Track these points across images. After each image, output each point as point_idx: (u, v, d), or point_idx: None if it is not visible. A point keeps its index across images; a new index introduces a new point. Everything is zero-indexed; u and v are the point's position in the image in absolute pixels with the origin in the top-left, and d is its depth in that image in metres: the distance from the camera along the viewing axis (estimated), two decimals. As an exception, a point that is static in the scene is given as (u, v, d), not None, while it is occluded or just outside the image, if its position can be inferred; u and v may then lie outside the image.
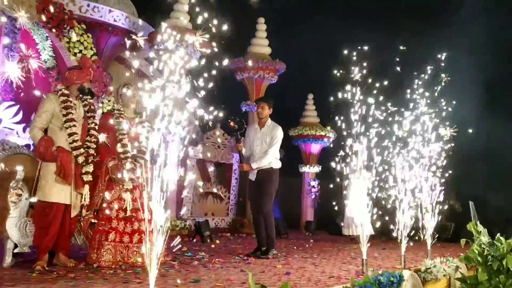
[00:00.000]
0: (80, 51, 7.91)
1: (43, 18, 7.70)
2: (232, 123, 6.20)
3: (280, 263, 5.37)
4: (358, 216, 5.72)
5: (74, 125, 4.50)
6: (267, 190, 6.14)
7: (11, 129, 7.62)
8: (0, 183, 4.51)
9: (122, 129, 4.79)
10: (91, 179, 4.58)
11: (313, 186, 13.21)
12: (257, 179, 6.23)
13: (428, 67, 6.14)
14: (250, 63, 11.23)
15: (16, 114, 7.75)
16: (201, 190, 11.01)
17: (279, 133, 6.27)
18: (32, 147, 6.32)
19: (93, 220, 4.72)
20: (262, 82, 11.75)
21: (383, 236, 8.78)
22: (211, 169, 11.76)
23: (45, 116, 4.46)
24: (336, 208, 7.96)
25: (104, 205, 4.68)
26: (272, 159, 6.19)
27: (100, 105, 8.39)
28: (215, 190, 11.39)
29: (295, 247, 7.66)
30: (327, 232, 11.60)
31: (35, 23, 7.88)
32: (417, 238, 5.78)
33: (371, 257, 6.31)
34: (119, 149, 4.74)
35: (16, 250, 4.41)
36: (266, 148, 6.17)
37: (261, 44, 12.02)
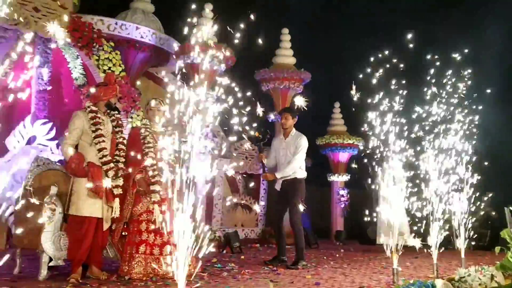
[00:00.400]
0: (109, 68, 8.14)
1: (73, 37, 7.95)
2: (257, 133, 6.25)
3: (310, 274, 5.34)
4: (395, 224, 5.63)
5: (103, 141, 4.62)
6: (292, 200, 6.11)
7: (45, 146, 7.86)
8: (35, 198, 4.65)
9: (148, 143, 4.89)
10: (121, 192, 4.67)
11: (342, 195, 13.10)
12: (282, 189, 6.27)
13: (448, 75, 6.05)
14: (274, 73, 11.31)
15: (50, 131, 8.00)
16: (230, 201, 11.05)
17: (303, 142, 6.29)
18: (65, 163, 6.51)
19: (123, 233, 4.81)
20: (287, 92, 11.79)
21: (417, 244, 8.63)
22: (239, 180, 11.81)
23: (75, 133, 4.59)
24: (367, 217, 7.88)
25: (133, 217, 4.77)
26: (296, 169, 6.19)
27: (130, 119, 8.59)
28: (244, 201, 11.43)
29: (325, 257, 7.60)
30: (358, 242, 11.45)
31: (66, 43, 8.14)
32: (451, 246, 5.66)
33: (403, 266, 6.21)
34: (146, 162, 4.83)
35: (51, 263, 4.53)
36: (290, 158, 6.16)
37: (286, 55, 12.08)
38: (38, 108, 8.51)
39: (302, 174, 6.28)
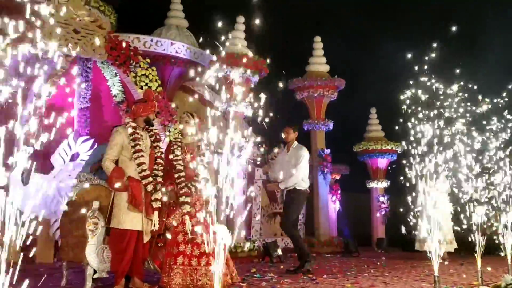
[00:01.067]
0: (146, 84, 8.36)
1: (111, 56, 8.24)
2: (263, 146, 6.58)
3: (349, 282, 5.28)
4: (438, 231, 5.51)
5: (142, 155, 4.75)
6: (288, 210, 6.55)
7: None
8: (78, 212, 4.83)
9: (176, 155, 5.00)
10: (160, 205, 4.79)
11: (382, 202, 12.90)
12: (285, 200, 6.77)
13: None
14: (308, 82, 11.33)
15: (92, 147, 8.28)
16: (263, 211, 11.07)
17: (302, 153, 6.59)
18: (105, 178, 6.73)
19: (159, 244, 4.91)
20: (322, 100, 11.76)
21: (462, 251, 8.40)
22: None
23: (116, 149, 4.75)
24: (407, 223, 7.73)
25: (169, 229, 4.87)
26: (298, 180, 6.48)
27: (167, 133, 8.78)
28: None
29: (365, 265, 7.49)
30: (401, 249, 11.23)
31: (105, 61, 8.44)
32: (497, 252, 5.49)
33: (447, 273, 6.05)
34: (175, 174, 4.93)
35: (95, 276, 4.68)
36: (292, 169, 6.44)
37: (319, 62, 12.08)
38: (80, 125, 8.86)
39: (303, 185, 6.55)
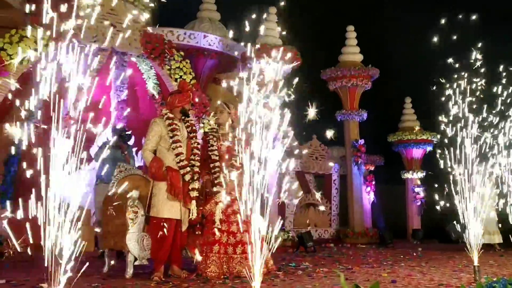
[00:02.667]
0: (180, 77, 8.48)
1: (146, 50, 8.39)
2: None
3: (386, 272, 5.26)
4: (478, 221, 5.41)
5: (180, 146, 4.85)
6: None
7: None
8: (119, 202, 4.98)
9: (211, 145, 5.07)
10: (198, 195, 4.88)
11: (418, 193, 12.69)
12: None
13: None
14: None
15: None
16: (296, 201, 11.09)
17: None
18: (144, 168, 6.89)
19: (197, 233, 5.01)
20: (355, 89, 11.63)
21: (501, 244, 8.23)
22: (310, 180, 11.82)
23: (154, 139, 4.87)
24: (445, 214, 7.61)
25: (206, 218, 4.96)
26: None
27: (201, 125, 8.89)
28: (318, 197, 11.42)
29: (401, 256, 7.42)
30: (437, 240, 11.04)
31: (140, 55, 8.61)
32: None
33: (487, 264, 5.93)
34: (211, 164, 5.01)
35: (136, 263, 4.83)
36: None
37: (352, 52, 11.93)
38: (117, 118, 9.07)
39: None
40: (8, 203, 7.36)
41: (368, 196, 12.55)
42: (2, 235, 7.12)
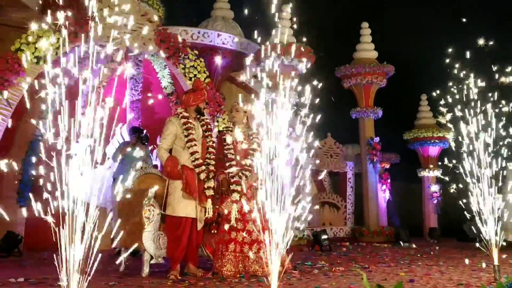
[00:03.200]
0: (195, 75, 8.47)
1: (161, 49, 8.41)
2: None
3: (403, 271, 5.20)
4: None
5: (195, 144, 4.85)
6: None
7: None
8: (135, 201, 4.99)
9: (227, 144, 5.06)
10: (213, 193, 4.87)
11: (435, 191, 12.54)
12: None
13: None
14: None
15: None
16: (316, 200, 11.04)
17: None
18: (159, 167, 6.91)
19: (213, 231, 5.00)
20: (370, 87, 11.52)
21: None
22: (324, 178, 11.75)
23: (170, 138, 4.87)
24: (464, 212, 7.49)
25: (222, 217, 4.95)
26: None
27: (216, 123, 8.89)
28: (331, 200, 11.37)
29: (418, 255, 7.33)
30: (455, 239, 10.90)
31: (154, 54, 8.63)
32: None
33: (507, 264, 5.83)
34: (227, 163, 5.00)
35: (152, 261, 4.84)
36: None
37: (367, 49, 11.81)
38: (133, 117, 9.12)
39: None
40: (25, 202, 7.48)
41: (383, 194, 12.45)
42: (20, 234, 7.22)
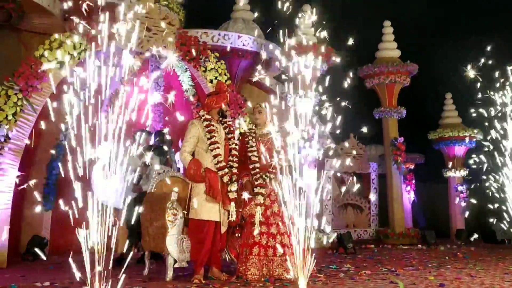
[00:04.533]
0: (216, 78, 8.45)
1: (181, 52, 8.42)
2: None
3: (432, 274, 5.06)
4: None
5: (218, 147, 4.81)
6: None
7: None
8: (158, 204, 4.98)
9: (251, 146, 5.00)
10: (236, 196, 4.82)
11: (461, 191, 12.25)
12: None
13: None
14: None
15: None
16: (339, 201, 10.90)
17: None
18: (182, 170, 6.89)
19: (236, 235, 4.95)
20: (393, 86, 11.33)
21: None
22: (348, 179, 11.59)
23: (192, 141, 4.84)
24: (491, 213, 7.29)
25: (245, 220, 4.89)
26: None
27: (237, 126, 8.85)
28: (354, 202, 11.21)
29: (446, 257, 7.15)
30: (482, 241, 10.62)
31: (178, 58, 8.64)
32: None
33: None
34: (250, 165, 4.94)
35: (176, 265, 4.81)
36: None
37: (390, 48, 11.62)
38: (155, 120, 9.15)
39: None
40: (50, 206, 7.54)
41: (408, 195, 12.22)
42: (45, 237, 7.29)
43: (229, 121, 5.10)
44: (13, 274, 5.28)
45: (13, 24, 7.42)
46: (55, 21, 7.69)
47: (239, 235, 4.94)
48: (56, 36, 6.82)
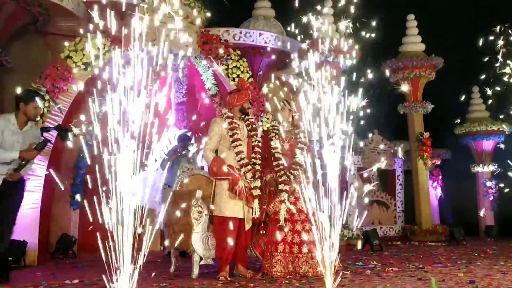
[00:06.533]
0: (238, 76, 8.46)
1: (204, 50, 8.46)
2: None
3: (461, 271, 4.95)
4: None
5: (240, 144, 4.81)
6: None
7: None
8: (182, 201, 5.01)
9: (274, 143, 4.98)
10: (259, 193, 4.81)
11: (490, 187, 11.97)
12: None
13: None
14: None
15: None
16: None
17: None
18: (205, 168, 6.92)
19: (261, 232, 4.94)
20: (418, 80, 11.13)
21: None
22: (372, 176, 11.44)
23: (215, 139, 4.86)
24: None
25: (270, 217, 4.88)
26: None
27: (260, 123, 8.84)
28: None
29: (475, 254, 6.99)
30: (512, 237, 10.37)
31: (198, 56, 8.68)
32: None
33: None
34: (274, 162, 4.92)
35: (201, 262, 4.84)
36: None
37: (414, 42, 11.42)
38: (178, 119, 9.23)
39: None
40: (78, 205, 7.68)
41: (435, 191, 12.01)
42: (74, 236, 7.43)
43: (251, 118, 5.09)
44: (43, 272, 5.40)
45: (39, 27, 7.57)
46: (80, 22, 7.81)
47: (264, 232, 4.93)
48: (81, 37, 6.94)
